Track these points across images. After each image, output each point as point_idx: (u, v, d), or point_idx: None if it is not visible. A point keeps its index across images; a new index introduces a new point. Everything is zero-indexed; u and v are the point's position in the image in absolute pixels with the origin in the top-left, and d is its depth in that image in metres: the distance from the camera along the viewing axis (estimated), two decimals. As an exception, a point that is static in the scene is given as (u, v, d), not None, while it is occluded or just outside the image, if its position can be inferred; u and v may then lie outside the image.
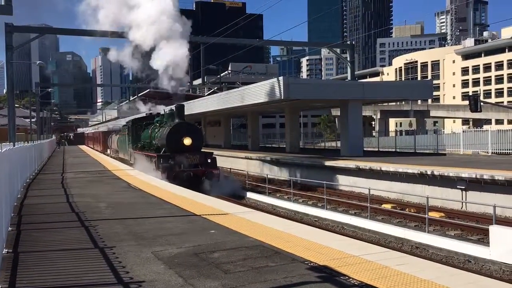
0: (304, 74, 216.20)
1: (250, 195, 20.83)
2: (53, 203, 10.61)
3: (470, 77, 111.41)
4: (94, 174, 18.44)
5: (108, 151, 39.55)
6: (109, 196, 11.71)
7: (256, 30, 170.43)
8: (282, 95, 24.67)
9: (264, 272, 4.95)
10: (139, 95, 69.68)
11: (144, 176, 17.23)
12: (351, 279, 4.61)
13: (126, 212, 9.15)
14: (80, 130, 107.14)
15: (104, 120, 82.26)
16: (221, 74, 64.13)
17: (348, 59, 33.22)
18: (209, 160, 19.93)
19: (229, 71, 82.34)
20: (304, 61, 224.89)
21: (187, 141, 19.52)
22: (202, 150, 20.98)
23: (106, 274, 4.96)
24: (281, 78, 25.73)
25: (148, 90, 60.84)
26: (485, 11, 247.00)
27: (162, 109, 29.51)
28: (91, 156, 34.78)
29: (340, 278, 4.65)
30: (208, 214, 8.54)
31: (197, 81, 67.53)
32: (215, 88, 55.70)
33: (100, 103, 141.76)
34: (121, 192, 12.48)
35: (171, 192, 12.19)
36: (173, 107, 23.54)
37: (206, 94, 55.95)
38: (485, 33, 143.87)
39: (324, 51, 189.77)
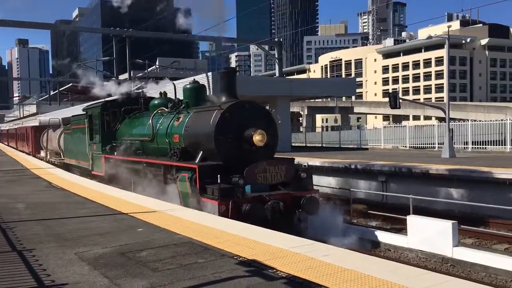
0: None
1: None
2: (-36, 205, 9.85)
3: (390, 75, 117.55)
4: (11, 174, 17.31)
5: (43, 154, 29.33)
6: (29, 196, 11.06)
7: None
8: (211, 91, 24.62)
9: (193, 268, 4.93)
10: (60, 89, 66.42)
11: (67, 175, 16.45)
12: (278, 272, 4.71)
13: (47, 213, 8.71)
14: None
15: (21, 115, 77.36)
16: (149, 69, 62.64)
17: (276, 56, 33.79)
18: (302, 174, 10.72)
19: (157, 66, 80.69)
20: (233, 57, 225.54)
21: (259, 137, 10.19)
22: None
23: (25, 278, 4.69)
24: (210, 73, 25.66)
25: (71, 84, 58.07)
26: (403, 13, 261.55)
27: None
28: (7, 154, 32.66)
29: (268, 271, 4.74)
30: (136, 212, 8.34)
31: (124, 76, 65.55)
32: (143, 83, 54.34)
33: (17, 98, 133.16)
34: (42, 192, 11.85)
35: (96, 190, 11.76)
36: (197, 77, 16.38)
37: (133, 89, 54.40)
38: (404, 34, 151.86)
39: (253, 48, 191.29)
